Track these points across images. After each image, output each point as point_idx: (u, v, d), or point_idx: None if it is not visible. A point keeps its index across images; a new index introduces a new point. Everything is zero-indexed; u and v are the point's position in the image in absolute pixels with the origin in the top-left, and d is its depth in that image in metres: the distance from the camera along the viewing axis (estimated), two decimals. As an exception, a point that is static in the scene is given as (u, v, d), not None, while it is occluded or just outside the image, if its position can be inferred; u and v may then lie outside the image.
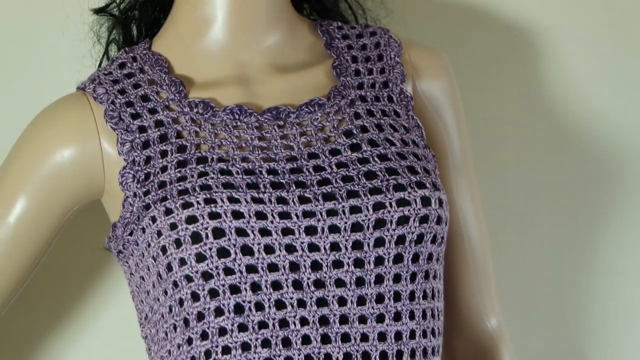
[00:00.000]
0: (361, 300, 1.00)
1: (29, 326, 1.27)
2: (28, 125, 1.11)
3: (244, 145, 1.04)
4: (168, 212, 1.00)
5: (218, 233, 0.98)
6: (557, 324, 1.47)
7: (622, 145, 1.45)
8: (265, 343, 0.98)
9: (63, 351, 1.28)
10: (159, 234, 1.01)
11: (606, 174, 1.46)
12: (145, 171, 1.03)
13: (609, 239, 1.47)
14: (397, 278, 1.02)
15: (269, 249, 0.99)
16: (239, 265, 0.98)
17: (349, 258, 1.00)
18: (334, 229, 1.01)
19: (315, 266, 1.00)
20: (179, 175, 1.02)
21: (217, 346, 0.99)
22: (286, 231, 1.00)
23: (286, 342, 0.98)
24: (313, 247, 1.00)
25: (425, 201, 1.03)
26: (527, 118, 1.44)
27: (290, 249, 0.99)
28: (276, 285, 0.99)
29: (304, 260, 1.00)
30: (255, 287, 0.98)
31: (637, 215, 1.46)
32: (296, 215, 1.00)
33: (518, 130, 1.43)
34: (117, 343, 1.29)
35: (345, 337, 0.99)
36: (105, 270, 1.29)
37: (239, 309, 0.98)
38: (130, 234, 1.04)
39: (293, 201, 1.01)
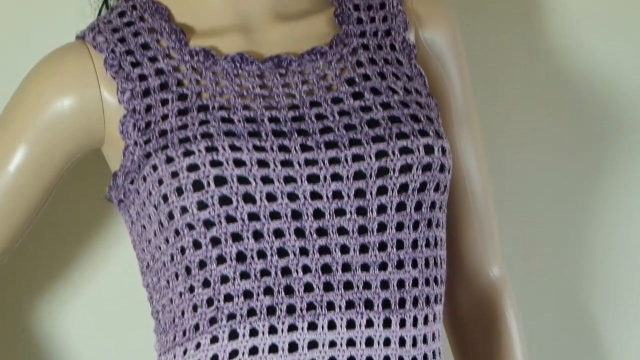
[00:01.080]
0: (364, 248, 1.00)
1: (30, 277, 1.27)
2: (27, 75, 1.10)
3: (245, 93, 1.04)
4: (169, 160, 1.00)
5: (220, 181, 0.98)
6: (557, 277, 1.47)
7: (626, 98, 1.45)
8: (268, 291, 0.98)
9: (64, 301, 1.28)
10: (160, 182, 1.00)
11: (610, 127, 1.45)
12: (146, 119, 1.03)
13: (610, 191, 1.46)
14: (399, 226, 1.01)
15: (271, 197, 0.98)
16: (241, 213, 0.98)
17: (351, 206, 1.00)
18: (336, 177, 1.00)
19: (318, 214, 0.99)
20: (180, 123, 1.01)
21: (219, 294, 0.99)
22: (288, 179, 0.99)
23: (288, 290, 0.98)
24: (315, 195, 0.99)
25: (429, 149, 1.03)
26: (530, 70, 1.43)
27: (292, 197, 0.99)
28: (278, 233, 0.98)
29: (306, 208, 0.99)
30: (258, 235, 0.98)
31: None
32: (298, 163, 1.00)
33: (521, 83, 1.43)
34: (118, 292, 1.29)
35: (348, 285, 0.99)
36: (106, 219, 1.29)
37: (241, 256, 0.98)
38: (131, 183, 1.04)
39: (295, 149, 1.00)
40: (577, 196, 1.47)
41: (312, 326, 0.98)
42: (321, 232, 0.99)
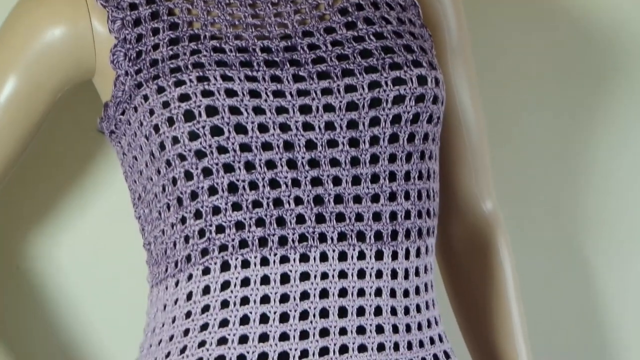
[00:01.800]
0: (356, 180, 1.00)
1: (22, 212, 1.27)
2: (16, 4, 1.08)
3: (237, 23, 1.02)
4: (160, 90, 0.99)
5: (211, 111, 0.97)
6: (553, 219, 1.48)
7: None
8: (260, 222, 0.97)
9: (57, 236, 1.28)
10: (152, 112, 0.99)
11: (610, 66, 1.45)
12: (137, 49, 1.01)
13: (608, 132, 1.46)
14: (392, 158, 1.01)
15: (262, 128, 0.97)
16: (233, 143, 0.97)
17: (343, 137, 0.99)
18: (328, 107, 0.99)
19: (310, 145, 0.99)
20: (171, 53, 1.00)
21: (211, 225, 0.98)
22: (280, 110, 0.98)
23: (280, 222, 0.98)
24: (307, 126, 0.99)
25: (422, 80, 1.02)
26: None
27: (284, 127, 0.98)
28: (270, 164, 0.98)
29: (298, 140, 0.98)
30: (249, 166, 0.97)
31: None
32: (290, 93, 0.99)
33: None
34: (110, 224, 1.28)
35: (340, 217, 0.99)
36: (98, 152, 1.28)
37: (232, 187, 0.97)
38: (122, 113, 1.03)
39: (287, 79, 0.99)
40: (572, 131, 1.47)
41: (304, 258, 0.98)
42: (313, 163, 0.99)
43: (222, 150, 0.97)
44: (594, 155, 1.47)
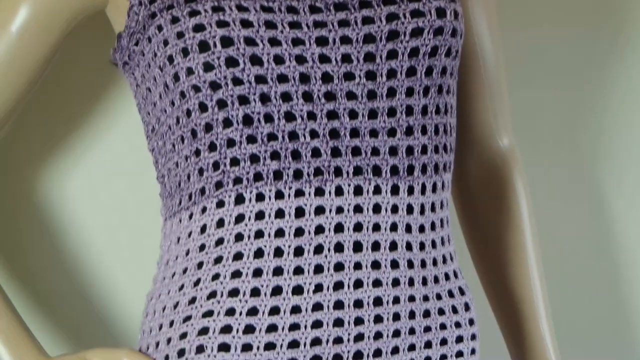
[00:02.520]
0: (372, 114, 0.98)
1: (34, 144, 1.26)
2: None
3: None
4: (175, 20, 0.97)
5: (226, 42, 0.95)
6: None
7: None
8: (275, 155, 0.96)
9: (70, 167, 1.27)
10: (166, 42, 0.98)
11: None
12: None
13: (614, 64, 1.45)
14: (409, 92, 1.00)
15: (278, 60, 0.96)
16: (248, 75, 0.96)
17: (360, 70, 0.98)
18: (345, 40, 0.98)
19: (326, 78, 0.97)
20: (185, -18, 0.98)
21: (225, 158, 0.97)
22: (296, 41, 0.97)
23: (296, 155, 0.97)
24: (324, 59, 0.97)
25: (440, 12, 1.00)
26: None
27: (300, 59, 0.97)
28: (286, 97, 0.96)
29: (315, 72, 0.97)
30: (265, 98, 0.96)
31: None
32: (307, 25, 0.97)
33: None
34: (123, 157, 1.28)
35: (356, 151, 0.98)
36: (111, 84, 1.27)
37: (247, 120, 0.96)
38: (136, 44, 1.01)
39: (304, 10, 0.97)
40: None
41: (319, 192, 0.97)
42: (329, 96, 0.97)
43: (237, 82, 0.95)
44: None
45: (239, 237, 0.97)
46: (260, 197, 0.97)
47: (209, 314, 0.97)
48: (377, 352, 0.98)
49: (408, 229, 1.00)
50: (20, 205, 1.26)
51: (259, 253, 0.97)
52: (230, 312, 0.96)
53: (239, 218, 0.97)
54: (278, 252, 0.97)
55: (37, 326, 1.25)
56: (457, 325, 1.05)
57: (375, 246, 0.98)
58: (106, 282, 1.29)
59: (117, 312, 1.29)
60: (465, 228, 1.24)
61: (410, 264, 1.00)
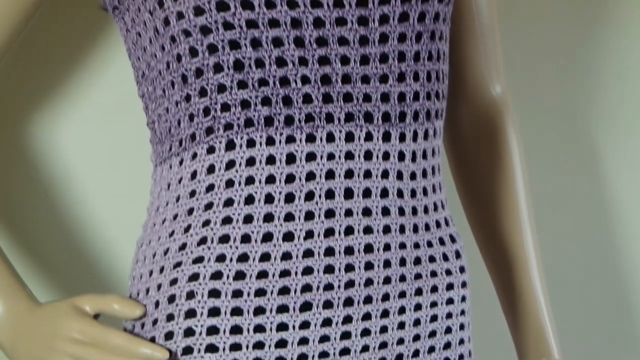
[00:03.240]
0: (364, 60, 0.97)
1: (25, 90, 1.25)
2: None
3: None
4: None
5: None
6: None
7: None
8: (266, 101, 0.96)
9: (61, 113, 1.26)
10: (156, -14, 0.97)
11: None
12: None
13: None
14: (402, 37, 0.99)
15: (269, 4, 0.95)
16: (239, 20, 0.94)
17: (352, 15, 0.97)
18: None
19: (318, 23, 0.96)
20: None
21: (216, 103, 0.96)
22: None
23: (287, 100, 0.96)
24: (315, 4, 0.96)
25: None
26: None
27: (291, 4, 0.95)
28: (277, 42, 0.95)
29: (306, 17, 0.96)
30: (256, 43, 0.95)
31: None
32: None
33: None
34: (113, 103, 1.27)
35: (348, 97, 0.97)
36: (100, 29, 1.25)
37: (238, 65, 0.95)
38: (126, -12, 1.00)
39: None
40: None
41: (311, 138, 0.97)
42: (321, 41, 0.96)
43: (228, 26, 0.94)
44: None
45: (229, 184, 0.97)
46: (251, 143, 0.96)
47: (199, 260, 0.96)
48: (368, 299, 0.98)
49: (399, 176, 1.00)
50: (11, 155, 1.25)
51: (249, 199, 0.96)
52: (221, 258, 0.96)
53: (230, 164, 0.97)
54: (269, 199, 0.96)
55: (26, 274, 1.25)
56: (448, 272, 1.05)
57: (367, 193, 0.98)
58: (95, 228, 1.29)
59: (106, 258, 1.29)
60: (457, 176, 1.24)
61: (402, 211, 1.00)
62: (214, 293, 0.95)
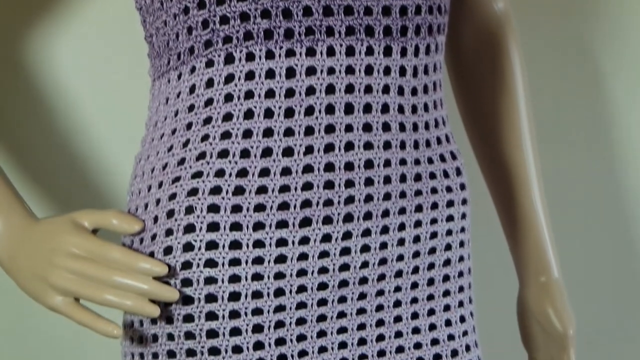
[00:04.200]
0: None
1: (20, 3, 1.23)
2: None
3: None
4: None
5: None
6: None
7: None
8: (265, 13, 0.94)
9: (56, 26, 1.24)
10: None
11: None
12: None
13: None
14: None
15: None
16: None
17: None
18: None
19: None
20: None
21: (214, 15, 0.95)
22: None
23: (287, 13, 0.94)
24: None
25: None
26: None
27: None
28: None
29: None
30: None
31: None
32: None
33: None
34: (111, 16, 1.25)
35: (348, 10, 0.95)
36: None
37: None
38: None
39: None
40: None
41: (311, 52, 0.95)
42: None
43: None
44: None
45: (228, 98, 0.96)
46: (250, 57, 0.95)
47: (198, 175, 0.96)
48: (368, 215, 0.98)
49: (400, 91, 0.99)
50: (7, 68, 1.24)
51: (249, 114, 0.95)
52: (220, 173, 0.95)
53: (229, 78, 0.95)
54: (268, 113, 0.95)
55: (23, 190, 1.25)
56: (449, 189, 1.04)
57: (367, 108, 0.97)
58: (93, 145, 1.28)
59: (104, 175, 1.29)
60: (457, 91, 1.23)
61: (402, 127, 0.99)
62: (213, 208, 0.95)
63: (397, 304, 1.01)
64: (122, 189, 1.28)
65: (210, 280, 0.94)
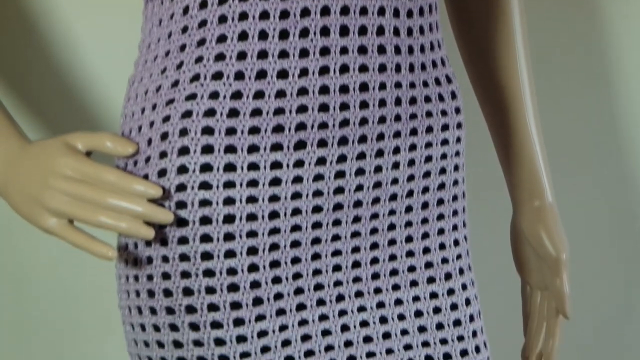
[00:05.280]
0: None
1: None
2: None
3: None
4: None
5: None
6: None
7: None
8: None
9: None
10: None
11: None
12: None
13: None
14: None
15: None
16: None
17: None
18: None
19: None
20: None
21: None
22: None
23: None
24: None
25: None
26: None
27: None
28: None
29: None
30: None
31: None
32: None
33: None
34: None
35: None
36: None
37: None
38: None
39: None
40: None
41: None
42: None
43: None
44: None
45: (222, 19, 0.94)
46: None
47: (192, 96, 0.95)
48: (362, 138, 0.98)
49: (396, 13, 0.98)
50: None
51: (243, 36, 0.94)
52: (214, 95, 0.94)
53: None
54: (262, 35, 0.94)
55: (16, 114, 1.24)
56: (443, 113, 1.04)
57: (362, 30, 0.96)
58: (86, 67, 1.27)
59: (97, 97, 1.28)
60: (454, 18, 1.21)
61: (397, 50, 0.98)
62: (207, 130, 0.94)
63: (392, 227, 1.02)
64: (115, 112, 1.27)
65: (204, 203, 0.94)
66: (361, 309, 1.01)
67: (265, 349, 0.97)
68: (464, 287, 1.06)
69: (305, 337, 0.99)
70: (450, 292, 1.05)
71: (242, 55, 0.94)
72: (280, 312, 0.97)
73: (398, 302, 1.03)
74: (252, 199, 0.95)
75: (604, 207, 1.56)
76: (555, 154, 1.36)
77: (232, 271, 0.95)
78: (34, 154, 0.98)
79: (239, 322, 0.96)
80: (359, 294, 1.01)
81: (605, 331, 1.61)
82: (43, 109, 1.26)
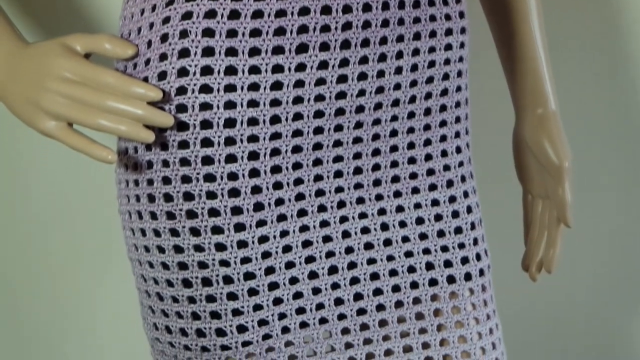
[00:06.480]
0: None
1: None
2: None
3: None
4: None
5: None
6: None
7: None
8: None
9: None
10: None
11: None
12: None
13: None
14: None
15: None
16: None
17: None
18: None
19: None
20: None
21: None
22: None
23: None
24: None
25: None
26: None
27: None
28: None
29: None
30: None
31: None
32: None
33: None
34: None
35: None
36: None
37: None
38: None
39: None
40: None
41: None
42: None
43: None
44: None
45: None
46: None
47: (192, -3, 0.93)
48: (365, 42, 0.96)
49: None
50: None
51: None
52: (215, -4, 0.93)
53: None
54: None
55: (14, 15, 1.22)
56: (447, 17, 1.02)
57: None
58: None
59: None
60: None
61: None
62: (208, 32, 0.93)
63: (394, 133, 1.01)
64: (114, 15, 1.25)
65: (205, 106, 0.93)
66: (362, 215, 1.01)
67: (266, 255, 0.97)
68: (466, 194, 1.06)
69: (306, 243, 0.98)
70: (452, 199, 1.05)
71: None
72: (281, 217, 0.97)
73: (399, 209, 1.02)
74: (253, 103, 0.94)
75: (607, 110, 1.55)
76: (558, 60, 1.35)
77: (233, 176, 0.95)
78: (32, 55, 0.97)
79: (239, 227, 0.95)
80: (360, 200, 1.00)
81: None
82: (40, 12, 1.24)
